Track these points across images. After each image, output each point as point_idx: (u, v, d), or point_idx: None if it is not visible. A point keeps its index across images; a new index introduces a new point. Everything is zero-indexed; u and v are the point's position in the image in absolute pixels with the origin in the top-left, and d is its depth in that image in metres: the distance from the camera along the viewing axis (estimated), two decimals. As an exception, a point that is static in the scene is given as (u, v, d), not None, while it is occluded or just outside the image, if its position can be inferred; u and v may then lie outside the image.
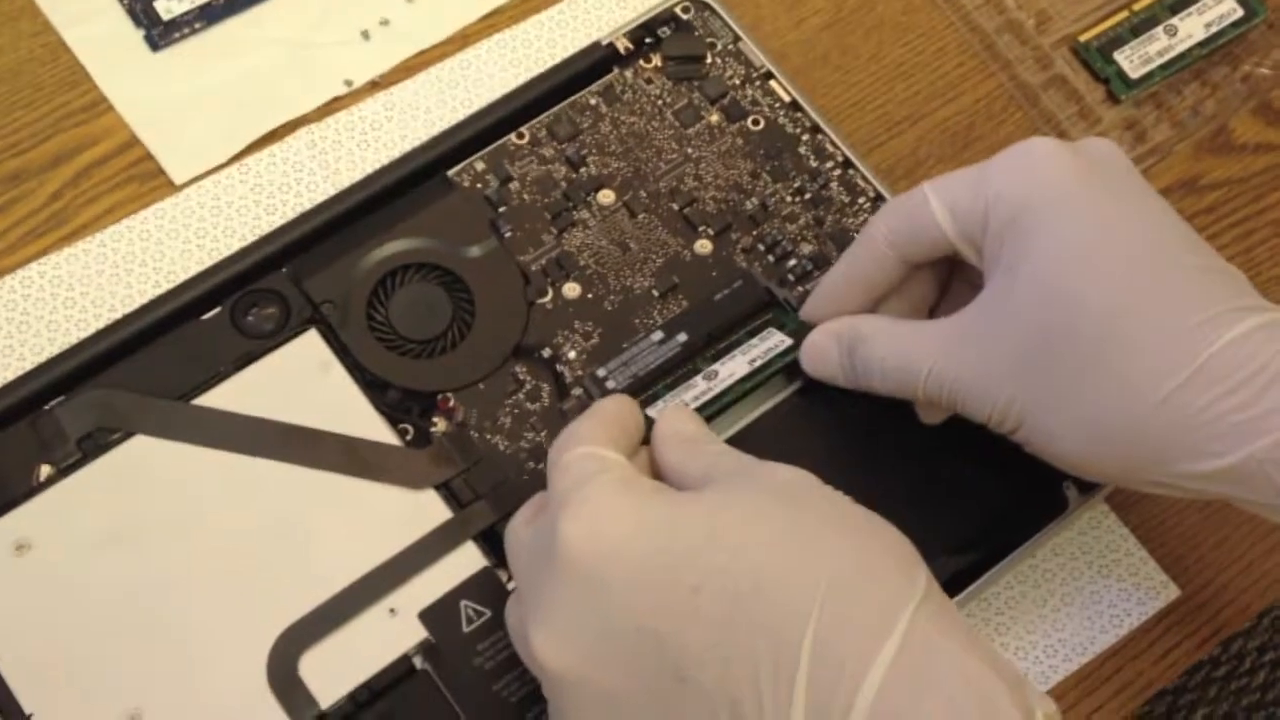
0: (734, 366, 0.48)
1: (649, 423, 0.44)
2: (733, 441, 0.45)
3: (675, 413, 0.45)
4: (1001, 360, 0.42)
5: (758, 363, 0.48)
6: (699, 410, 0.47)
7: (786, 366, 0.48)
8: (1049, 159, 0.43)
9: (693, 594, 0.37)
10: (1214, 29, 0.60)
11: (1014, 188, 0.43)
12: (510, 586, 0.46)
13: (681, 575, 0.37)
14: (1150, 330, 0.41)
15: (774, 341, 0.49)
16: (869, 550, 0.38)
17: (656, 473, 0.43)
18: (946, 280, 0.48)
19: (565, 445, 0.42)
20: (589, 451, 0.41)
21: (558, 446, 0.42)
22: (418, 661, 0.45)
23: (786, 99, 0.55)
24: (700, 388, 0.48)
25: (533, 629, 0.39)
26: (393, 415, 0.48)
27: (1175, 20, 0.60)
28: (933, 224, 0.44)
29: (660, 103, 0.55)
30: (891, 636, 0.36)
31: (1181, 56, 0.60)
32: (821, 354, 0.47)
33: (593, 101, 0.55)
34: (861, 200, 0.53)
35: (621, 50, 0.55)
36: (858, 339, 0.46)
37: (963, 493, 0.48)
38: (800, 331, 0.48)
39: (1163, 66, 0.59)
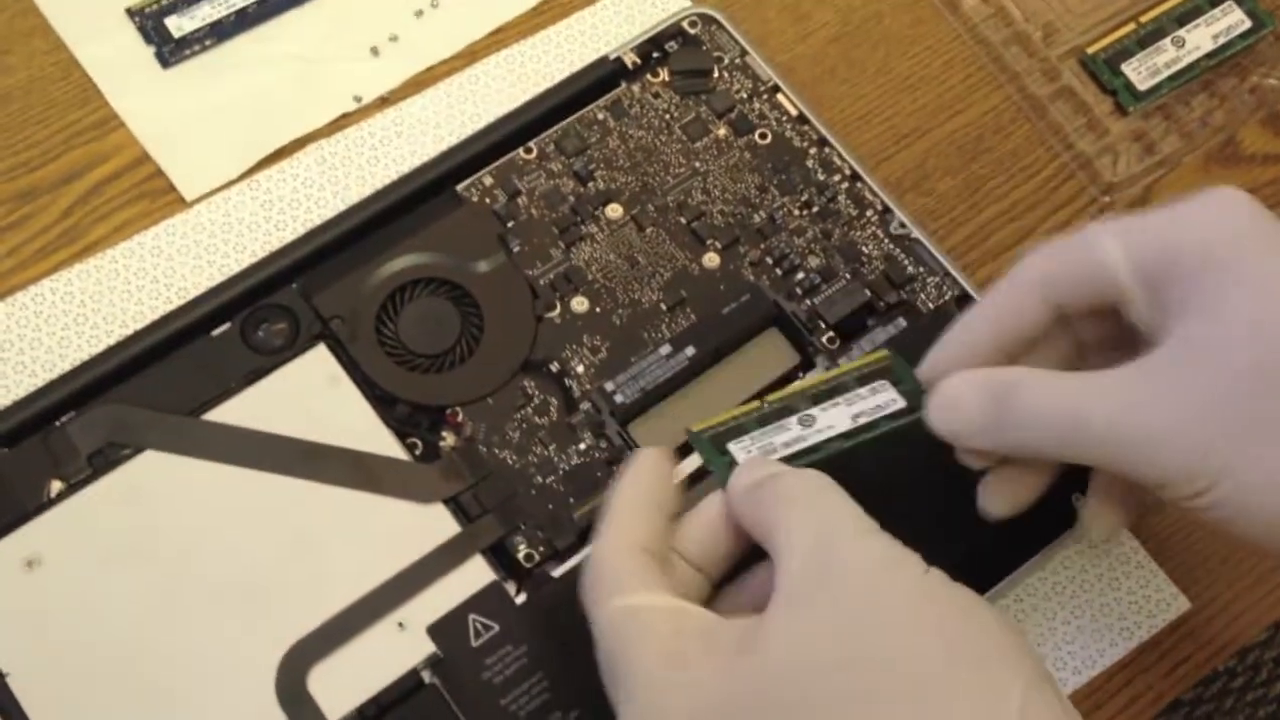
0: (835, 417, 0.44)
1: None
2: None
3: (751, 469, 0.41)
4: (1201, 406, 0.38)
5: (862, 419, 0.44)
6: (787, 460, 0.42)
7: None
8: (1243, 204, 0.40)
9: None
10: (1222, 40, 0.60)
11: (1211, 228, 0.40)
12: (519, 600, 0.46)
13: None
14: None
15: (885, 399, 0.44)
16: (970, 679, 0.35)
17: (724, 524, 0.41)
18: (1078, 350, 0.45)
19: (599, 592, 0.39)
20: (624, 607, 0.38)
21: (589, 595, 0.40)
22: (426, 676, 0.45)
23: (794, 112, 0.55)
24: (793, 433, 0.43)
25: None
26: (401, 430, 0.49)
27: (1183, 32, 0.60)
28: (1102, 264, 0.41)
29: (668, 117, 0.55)
30: None
31: (1190, 68, 0.60)
32: (960, 404, 0.41)
33: (600, 116, 0.55)
34: (869, 213, 0.53)
35: (629, 65, 0.56)
36: (1010, 386, 0.41)
37: (973, 505, 0.47)
38: (915, 392, 0.44)
39: (1171, 78, 0.59)
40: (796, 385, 0.45)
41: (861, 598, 0.36)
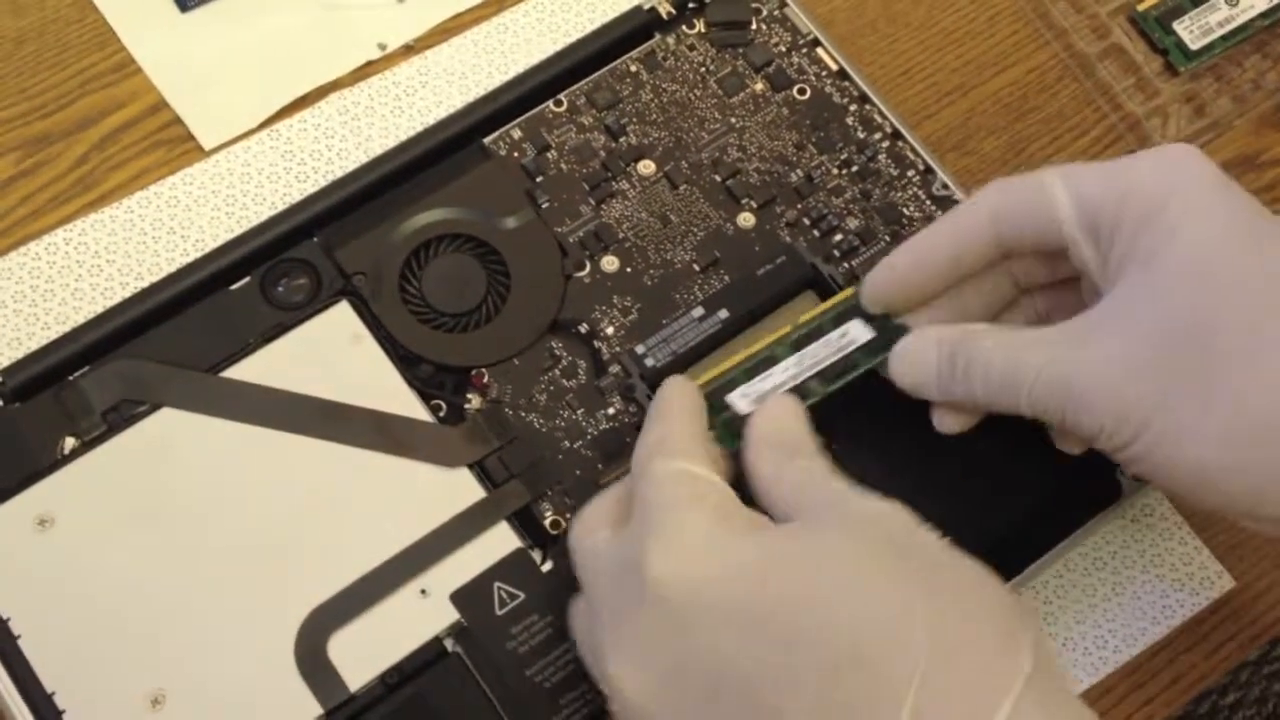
0: (815, 357, 0.45)
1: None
2: None
3: (781, 408, 0.42)
4: (1133, 356, 0.39)
5: (837, 357, 0.45)
6: None
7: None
8: (1191, 156, 0.41)
9: (785, 650, 0.35)
10: (1277, -1, 0.58)
11: (1158, 180, 0.40)
12: (545, 568, 0.45)
13: (773, 629, 0.36)
14: None
15: (857, 333, 0.45)
16: (973, 618, 0.35)
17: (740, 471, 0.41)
18: (1017, 287, 0.45)
19: (657, 452, 0.40)
20: (684, 470, 0.40)
21: (649, 451, 0.40)
22: (449, 644, 0.44)
23: (834, 67, 0.53)
24: (776, 379, 0.44)
25: (610, 653, 0.38)
26: (425, 391, 0.47)
27: (1237, -11, 0.58)
28: (1051, 207, 0.42)
29: (703, 70, 0.53)
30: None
31: (1243, 27, 0.58)
32: (918, 358, 0.43)
33: (633, 68, 0.53)
34: (910, 173, 0.52)
35: (664, 15, 0.54)
36: (961, 341, 0.42)
37: (1014, 478, 0.46)
38: (885, 325, 0.45)
39: (1223, 37, 0.58)
40: (773, 336, 0.46)
41: (891, 534, 0.38)
